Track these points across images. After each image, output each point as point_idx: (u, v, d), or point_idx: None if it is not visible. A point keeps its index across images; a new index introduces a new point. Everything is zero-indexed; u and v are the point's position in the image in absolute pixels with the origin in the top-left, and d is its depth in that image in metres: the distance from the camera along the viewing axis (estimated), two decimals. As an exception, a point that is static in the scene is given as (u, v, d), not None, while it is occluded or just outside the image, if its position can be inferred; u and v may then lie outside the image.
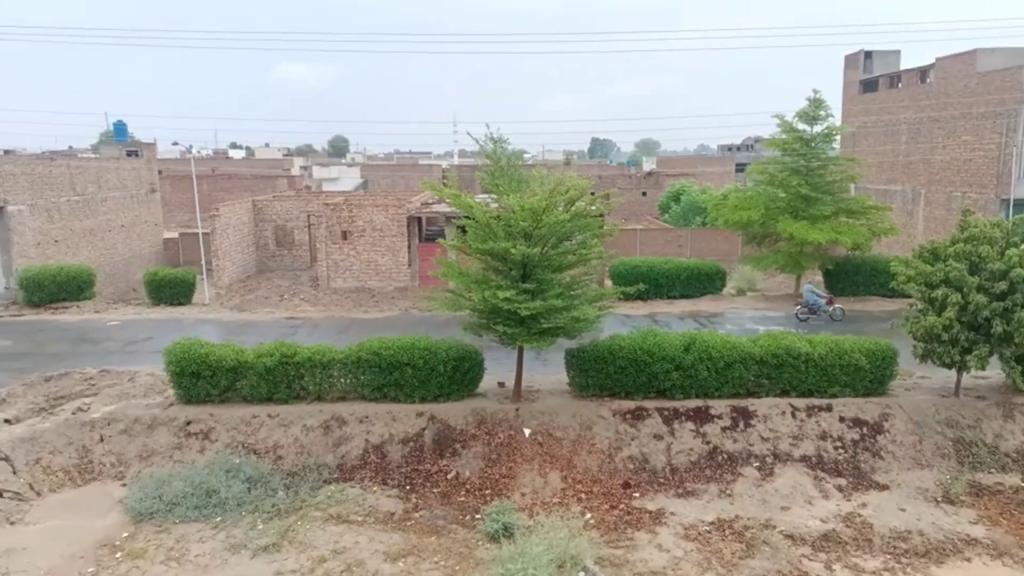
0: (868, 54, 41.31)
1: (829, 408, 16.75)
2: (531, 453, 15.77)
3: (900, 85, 38.13)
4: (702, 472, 15.75)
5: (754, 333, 19.07)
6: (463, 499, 14.92)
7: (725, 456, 16.01)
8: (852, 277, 29.46)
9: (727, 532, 13.94)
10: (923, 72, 35.81)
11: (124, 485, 15.06)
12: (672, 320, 25.97)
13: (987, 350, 15.87)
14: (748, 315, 27.00)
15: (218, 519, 13.93)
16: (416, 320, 25.95)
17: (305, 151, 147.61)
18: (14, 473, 14.55)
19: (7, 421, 16.11)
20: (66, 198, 32.50)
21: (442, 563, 12.72)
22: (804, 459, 15.98)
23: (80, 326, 25.51)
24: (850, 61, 42.55)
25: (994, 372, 17.39)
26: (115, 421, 16.22)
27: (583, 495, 15.01)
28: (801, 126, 28.43)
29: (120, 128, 48.65)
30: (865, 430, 16.47)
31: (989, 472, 15.69)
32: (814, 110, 28.21)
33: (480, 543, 13.37)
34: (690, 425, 16.41)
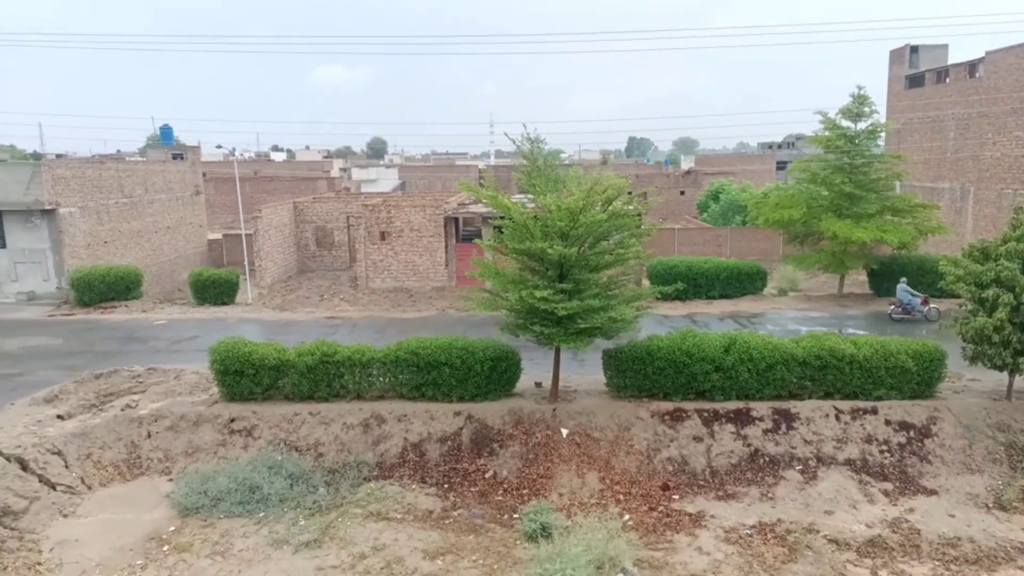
0: (914, 48, 40.27)
1: (874, 411, 16.38)
2: (568, 453, 15.73)
3: (948, 80, 37.06)
4: (743, 475, 15.54)
5: (796, 334, 18.74)
6: (501, 498, 14.95)
7: (767, 459, 15.77)
8: (898, 277, 28.67)
9: (769, 536, 13.73)
10: (972, 66, 34.74)
11: (171, 480, 15.44)
12: (711, 320, 25.66)
13: (1041, 352, 15.37)
14: (790, 316, 26.55)
15: (261, 514, 14.18)
16: (453, 320, 26.09)
17: (344, 153, 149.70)
18: (66, 467, 15.01)
19: (59, 417, 16.64)
20: (115, 200, 33.43)
21: (480, 562, 12.77)
22: (848, 463, 15.65)
23: (128, 325, 26.21)
24: (895, 56, 41.54)
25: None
26: (162, 418, 16.64)
27: (621, 496, 14.93)
28: (845, 123, 27.88)
29: (166, 132, 49.82)
30: (912, 433, 16.07)
31: (1043, 478, 15.18)
32: (858, 106, 27.63)
33: (518, 543, 13.39)
34: (730, 427, 16.20)
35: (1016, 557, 13.01)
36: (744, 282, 29.64)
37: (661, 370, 16.55)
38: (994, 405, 16.54)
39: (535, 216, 15.49)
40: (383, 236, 32.88)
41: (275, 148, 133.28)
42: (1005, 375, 16.59)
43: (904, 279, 26.33)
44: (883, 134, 32.35)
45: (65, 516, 14.00)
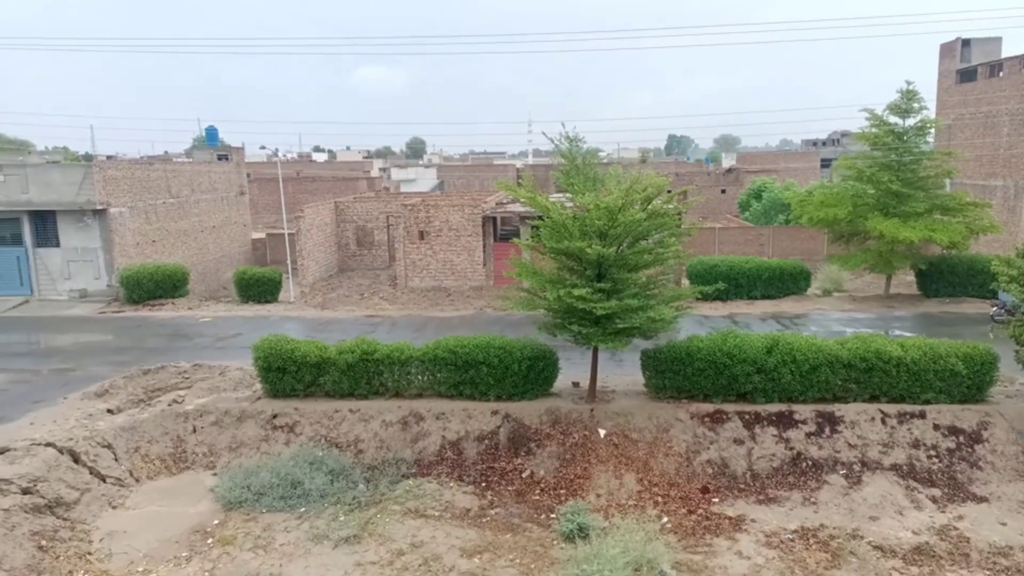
0: (966, 42, 39.01)
1: (922, 415, 15.95)
2: (606, 454, 15.64)
3: (1001, 74, 35.86)
4: (785, 479, 15.26)
5: (841, 335, 18.34)
6: (538, 498, 14.94)
7: (809, 463, 15.46)
8: (947, 277, 27.95)
9: (811, 541, 13.46)
10: (1028, 59, 33.61)
11: (215, 474, 15.78)
12: (753, 321, 25.26)
13: (1100, 356, 14.80)
14: (834, 317, 25.99)
15: (302, 509, 14.41)
16: (491, 319, 26.15)
17: (384, 153, 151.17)
18: (116, 460, 15.45)
19: (110, 411, 17.14)
20: (162, 200, 34.30)
21: (517, 561, 12.78)
22: (894, 468, 15.26)
23: (175, 322, 26.87)
24: (946, 50, 40.33)
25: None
26: (207, 413, 17.02)
27: (659, 498, 14.79)
28: (892, 119, 27.13)
29: (211, 133, 50.93)
30: (962, 439, 15.60)
31: (1102, 487, 14.60)
32: (907, 102, 26.89)
33: (555, 543, 13.36)
34: (772, 430, 15.92)
35: (1073, 569, 12.55)
36: (787, 282, 29.10)
37: (701, 371, 16.34)
38: (1050, 410, 15.98)
39: (573, 215, 15.43)
40: (422, 235, 33.14)
41: (317, 148, 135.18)
42: (1062, 380, 16.01)
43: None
44: (932, 130, 31.50)
45: (114, 508, 14.42)
